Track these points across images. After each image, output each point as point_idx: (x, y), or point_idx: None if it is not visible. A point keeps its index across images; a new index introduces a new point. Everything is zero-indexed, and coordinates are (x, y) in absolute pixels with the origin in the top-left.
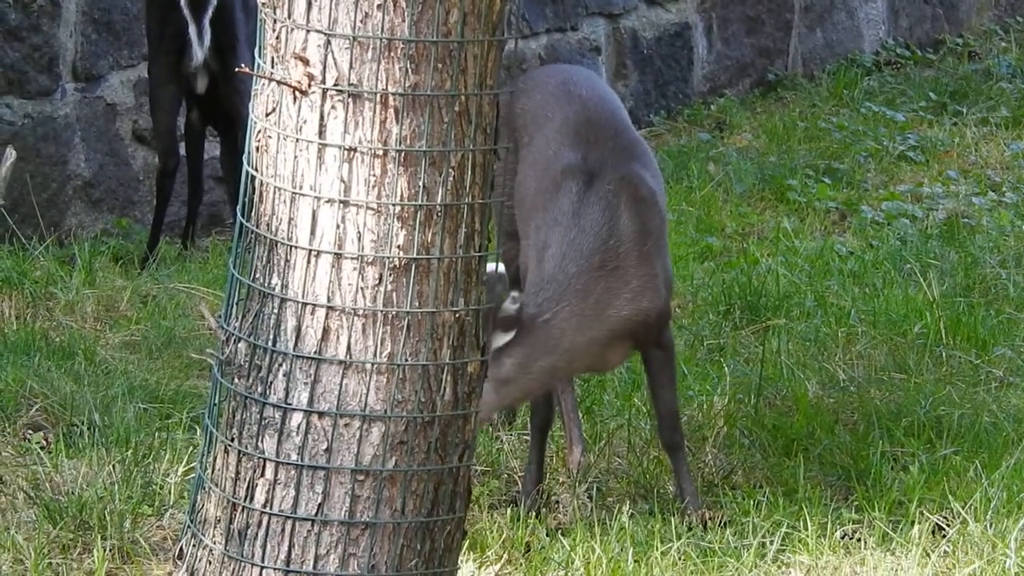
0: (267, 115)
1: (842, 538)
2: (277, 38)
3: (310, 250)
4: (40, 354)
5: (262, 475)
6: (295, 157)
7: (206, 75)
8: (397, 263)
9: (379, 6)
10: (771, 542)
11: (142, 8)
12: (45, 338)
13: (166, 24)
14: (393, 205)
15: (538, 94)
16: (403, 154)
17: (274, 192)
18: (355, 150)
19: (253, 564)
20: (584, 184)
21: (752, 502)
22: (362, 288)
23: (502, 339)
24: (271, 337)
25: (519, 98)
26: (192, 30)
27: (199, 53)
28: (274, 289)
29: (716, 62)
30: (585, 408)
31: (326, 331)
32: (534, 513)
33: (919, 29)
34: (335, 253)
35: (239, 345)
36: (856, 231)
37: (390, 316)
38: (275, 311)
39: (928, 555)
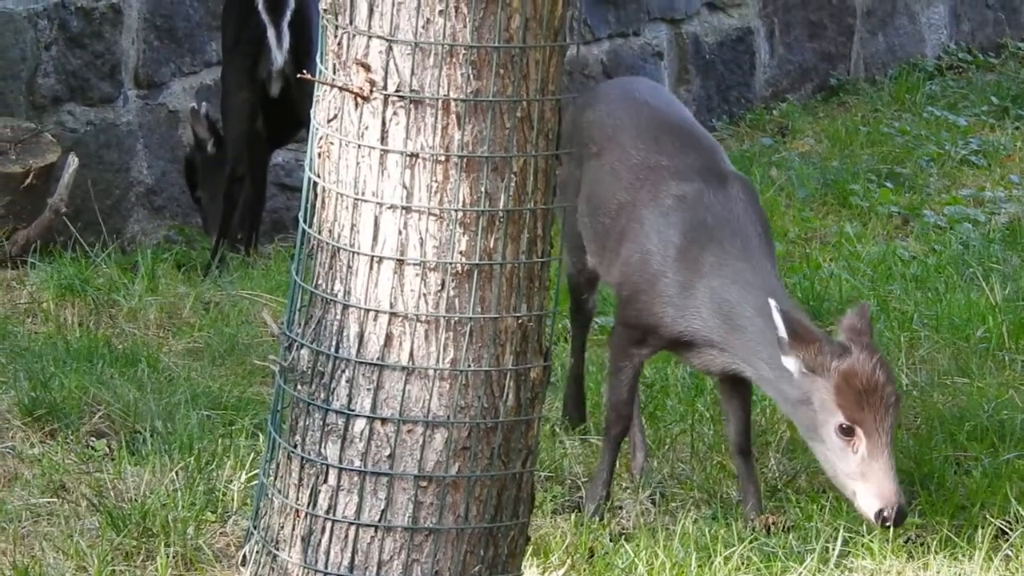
0: (329, 121)
1: (905, 543)
2: (339, 44)
3: (372, 256)
4: (103, 361)
5: (325, 481)
6: (357, 163)
7: (281, 79)
8: (459, 269)
9: (441, 12)
10: (834, 547)
11: (219, 14)
12: (108, 345)
13: (243, 29)
14: (455, 211)
15: (603, 105)
16: (465, 160)
17: (336, 198)
18: (417, 156)
19: (316, 570)
20: (719, 186)
21: (815, 507)
22: (424, 294)
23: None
24: (334, 343)
25: (584, 112)
26: (271, 33)
27: (278, 57)
28: (337, 295)
29: (778, 67)
30: (648, 413)
31: (389, 337)
32: (598, 518)
33: (981, 33)
34: (397, 259)
35: (302, 351)
36: (918, 235)
37: (452, 322)
38: (338, 317)
39: (991, 559)
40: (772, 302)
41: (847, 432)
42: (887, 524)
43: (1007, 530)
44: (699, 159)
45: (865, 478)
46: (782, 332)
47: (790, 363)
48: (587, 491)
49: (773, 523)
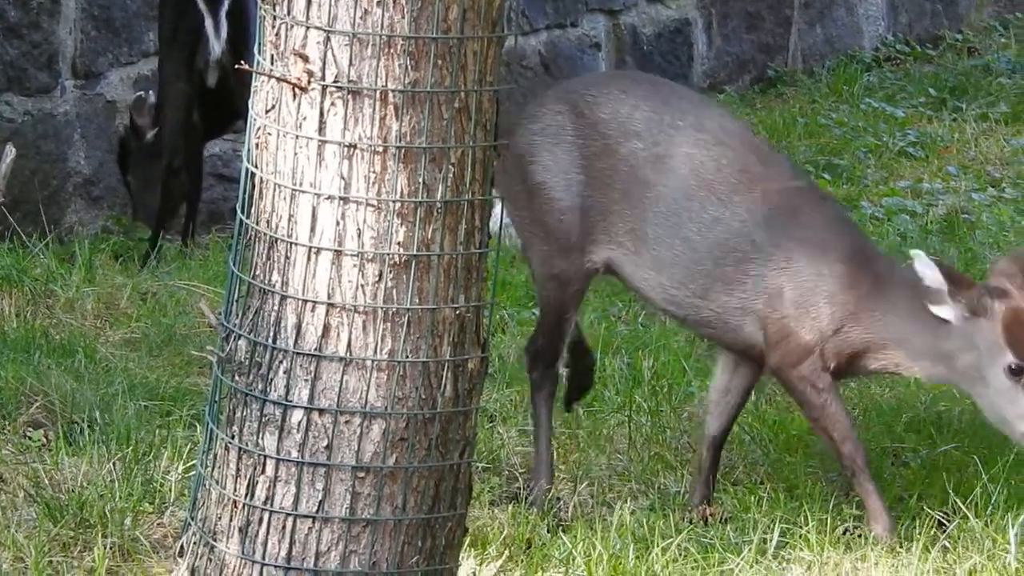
0: (267, 112)
1: (843, 534)
2: (277, 35)
3: (310, 247)
4: (40, 352)
5: (263, 472)
6: (295, 154)
7: (218, 70)
8: (397, 260)
9: (379, 3)
10: (772, 538)
11: (156, 4)
12: (45, 336)
13: (181, 19)
14: (393, 202)
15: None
16: (403, 151)
17: (274, 189)
18: (355, 147)
19: (254, 561)
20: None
21: (753, 498)
22: (362, 285)
23: None
24: (271, 334)
25: (597, 105)
26: (209, 23)
27: (216, 47)
28: (274, 286)
29: (716, 58)
30: (586, 404)
31: (326, 328)
32: (535, 510)
33: (918, 25)
34: (335, 250)
35: (239, 342)
36: None
37: (390, 313)
38: (275, 308)
39: (928, 550)
40: (918, 253)
41: (1016, 372)
42: None
43: (945, 522)
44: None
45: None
46: (937, 282)
47: (947, 311)
48: (530, 482)
49: (711, 514)
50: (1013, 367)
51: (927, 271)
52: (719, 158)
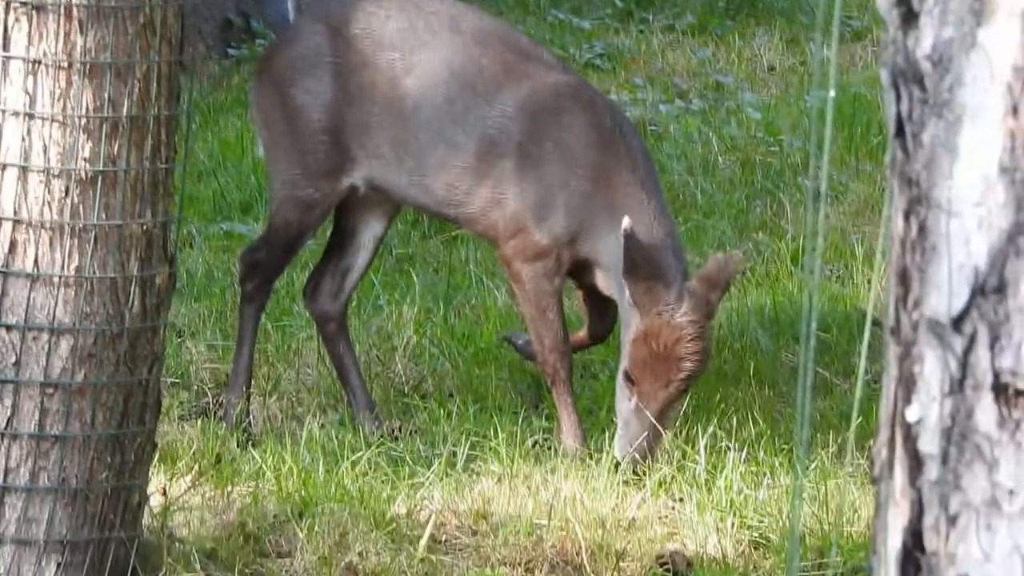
0: None
1: (533, 446)
2: None
3: None
4: None
5: None
6: None
7: None
8: (83, 176)
9: None
10: (462, 451)
11: None
12: None
13: None
14: (79, 117)
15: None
16: (88, 66)
17: None
18: (40, 62)
19: None
20: None
21: (443, 411)
22: (48, 201)
23: None
24: None
25: (351, 21)
26: None
27: None
28: None
29: None
30: (275, 319)
31: (13, 244)
32: (225, 425)
33: None
34: (21, 166)
35: None
36: None
37: (77, 229)
38: None
39: (616, 460)
40: (627, 221)
41: (628, 379)
42: (623, 470)
43: None
44: None
45: (628, 426)
46: (625, 260)
47: (623, 284)
48: (225, 395)
49: (399, 428)
50: (627, 374)
51: (622, 243)
52: (479, 58)
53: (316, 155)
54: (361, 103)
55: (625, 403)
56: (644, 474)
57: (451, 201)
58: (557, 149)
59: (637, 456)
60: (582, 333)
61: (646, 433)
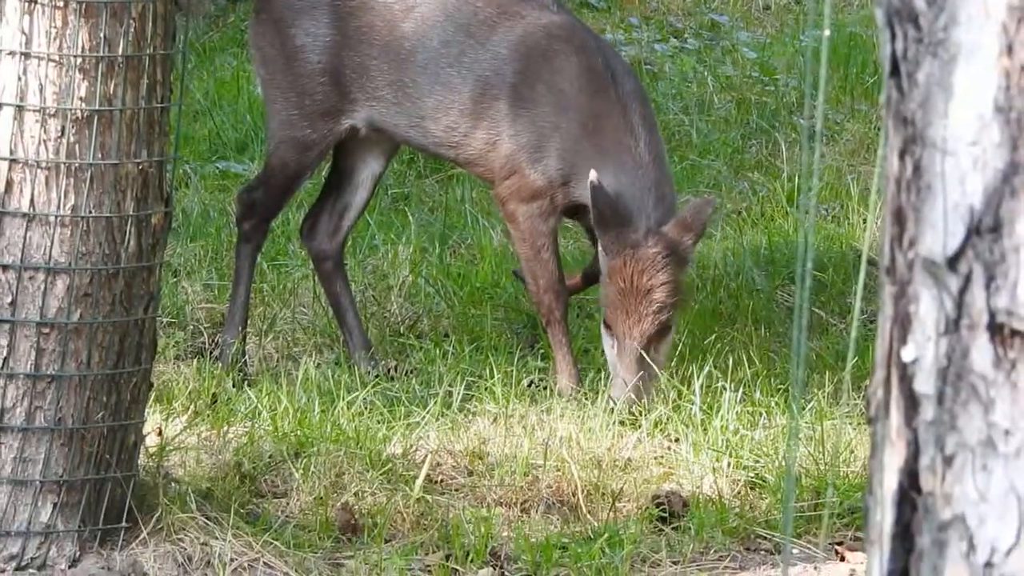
0: None
1: (529, 386)
2: None
3: None
4: None
5: None
6: None
7: None
8: (79, 115)
9: None
10: (458, 391)
11: None
12: None
13: None
14: (75, 56)
15: None
16: (84, 5)
17: None
18: (35, 2)
19: None
20: None
21: (438, 351)
22: (45, 140)
23: None
24: None
25: None
26: None
27: None
28: None
29: None
30: (270, 258)
31: (9, 184)
32: (221, 364)
33: None
34: (17, 105)
35: None
36: None
37: (73, 168)
38: None
39: (608, 403)
40: (593, 175)
41: (606, 325)
42: (617, 410)
43: None
44: None
45: (616, 370)
46: (593, 211)
47: (600, 238)
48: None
49: (395, 368)
50: (605, 322)
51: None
52: (474, 1)
53: (314, 96)
54: (359, 46)
55: (609, 350)
56: (639, 415)
57: (449, 143)
58: (549, 92)
59: (632, 396)
60: (577, 274)
61: (640, 374)
